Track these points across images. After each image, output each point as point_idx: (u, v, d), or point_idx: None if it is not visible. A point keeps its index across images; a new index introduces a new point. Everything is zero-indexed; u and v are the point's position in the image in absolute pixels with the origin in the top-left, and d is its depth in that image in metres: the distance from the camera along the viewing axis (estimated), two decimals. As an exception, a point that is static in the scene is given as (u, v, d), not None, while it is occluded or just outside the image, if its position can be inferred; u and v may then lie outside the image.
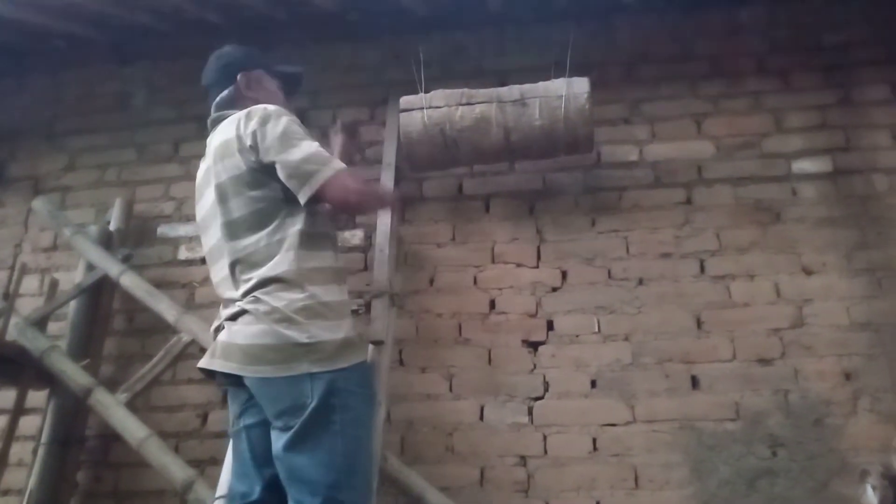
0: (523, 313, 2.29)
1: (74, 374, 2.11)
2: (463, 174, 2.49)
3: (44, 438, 2.20)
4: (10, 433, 2.15)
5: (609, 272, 2.30)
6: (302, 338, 1.41)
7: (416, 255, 2.44)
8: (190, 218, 2.61)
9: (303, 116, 2.66)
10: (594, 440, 2.10)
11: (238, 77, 1.72)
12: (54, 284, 2.43)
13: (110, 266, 2.33)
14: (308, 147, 1.55)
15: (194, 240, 2.57)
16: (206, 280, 2.49)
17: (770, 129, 2.44)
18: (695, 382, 2.13)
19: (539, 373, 2.21)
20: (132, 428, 2.02)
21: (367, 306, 2.14)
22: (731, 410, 2.08)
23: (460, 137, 2.17)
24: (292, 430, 1.38)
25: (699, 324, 2.20)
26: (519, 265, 2.36)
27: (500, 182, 2.48)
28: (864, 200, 2.30)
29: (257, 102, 1.65)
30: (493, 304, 2.33)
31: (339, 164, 1.56)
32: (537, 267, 2.34)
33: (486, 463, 2.13)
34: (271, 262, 1.47)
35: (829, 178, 2.34)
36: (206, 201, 1.66)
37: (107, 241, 2.46)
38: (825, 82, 2.48)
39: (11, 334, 2.19)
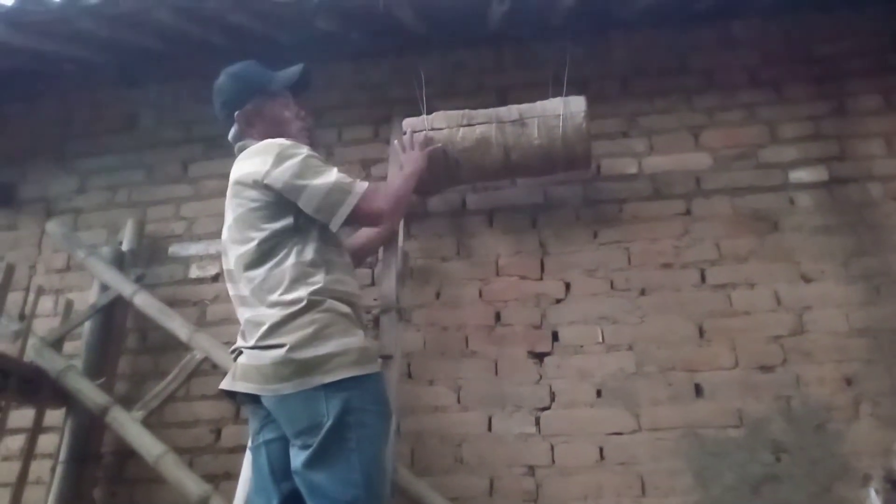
0: (528, 325, 2.34)
1: (90, 392, 2.16)
2: (466, 189, 2.55)
3: (61, 456, 2.24)
4: (30, 452, 2.19)
5: (611, 283, 2.34)
6: (312, 353, 1.45)
7: (421, 269, 2.49)
8: (201, 237, 2.68)
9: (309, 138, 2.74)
10: (600, 449, 2.14)
11: (236, 116, 1.74)
12: (69, 305, 2.48)
13: (123, 286, 2.38)
14: (327, 178, 1.58)
15: (205, 258, 2.63)
16: (218, 298, 2.56)
17: (765, 139, 2.49)
18: (698, 390, 2.17)
19: (545, 383, 2.26)
20: (148, 444, 2.07)
21: (376, 321, 2.19)
22: (734, 417, 2.12)
23: (461, 157, 2.23)
24: (311, 449, 1.42)
25: (701, 332, 2.24)
26: (523, 277, 2.41)
27: (502, 196, 2.54)
28: (860, 208, 2.35)
29: (263, 135, 1.69)
30: (498, 317, 2.38)
31: (361, 186, 1.62)
32: (541, 279, 2.39)
33: (495, 473, 2.17)
34: (282, 289, 1.51)
35: (824, 187, 2.39)
36: (226, 227, 1.70)
37: (119, 262, 2.51)
38: (818, 93, 2.53)
39: (29, 355, 2.24)
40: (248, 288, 1.56)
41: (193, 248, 2.66)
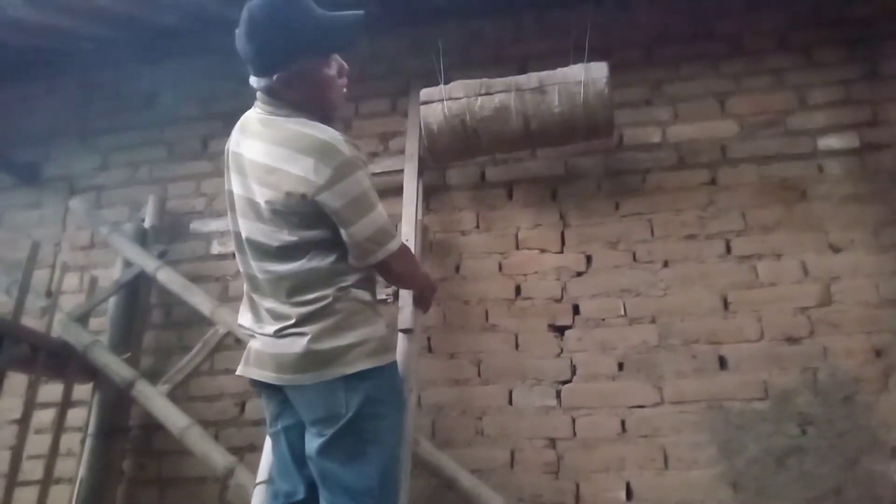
0: (549, 298, 2.32)
1: (117, 367, 2.20)
2: (485, 162, 2.52)
3: (90, 429, 2.29)
4: (60, 425, 2.25)
5: (634, 255, 2.31)
6: (334, 343, 1.40)
7: (441, 243, 2.48)
8: (221, 213, 2.68)
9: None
10: (622, 422, 2.13)
11: (274, 78, 1.42)
12: (94, 281, 2.52)
13: (146, 262, 2.41)
14: (377, 217, 1.45)
15: (226, 234, 2.63)
16: (239, 273, 2.57)
17: (794, 106, 2.42)
18: (722, 363, 2.14)
19: (566, 356, 2.24)
20: (174, 417, 2.11)
21: (395, 295, 2.19)
22: (760, 390, 2.09)
23: (480, 127, 2.19)
24: (326, 437, 1.40)
25: (726, 304, 2.20)
26: (543, 251, 2.38)
27: (522, 168, 2.50)
28: (891, 175, 2.27)
29: (301, 99, 1.44)
30: (518, 290, 2.36)
31: (399, 241, 1.52)
32: (562, 252, 2.37)
33: (516, 445, 2.17)
34: (308, 291, 1.42)
35: (855, 154, 2.32)
36: (235, 187, 1.51)
37: (142, 238, 2.54)
38: (850, 56, 2.44)
39: (56, 330, 2.28)
40: (262, 276, 1.47)
41: (214, 225, 2.67)
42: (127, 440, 2.39)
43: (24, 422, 2.15)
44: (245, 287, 1.55)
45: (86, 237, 2.77)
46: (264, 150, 1.43)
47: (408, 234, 2.27)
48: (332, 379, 1.39)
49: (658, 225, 2.33)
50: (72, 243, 2.78)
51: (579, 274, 2.33)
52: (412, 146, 2.47)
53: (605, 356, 2.21)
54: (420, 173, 2.42)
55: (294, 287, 1.43)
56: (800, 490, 1.98)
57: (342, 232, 1.43)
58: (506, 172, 2.50)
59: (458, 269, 2.44)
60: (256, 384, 1.53)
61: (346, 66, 1.53)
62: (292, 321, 1.42)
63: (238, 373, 1.54)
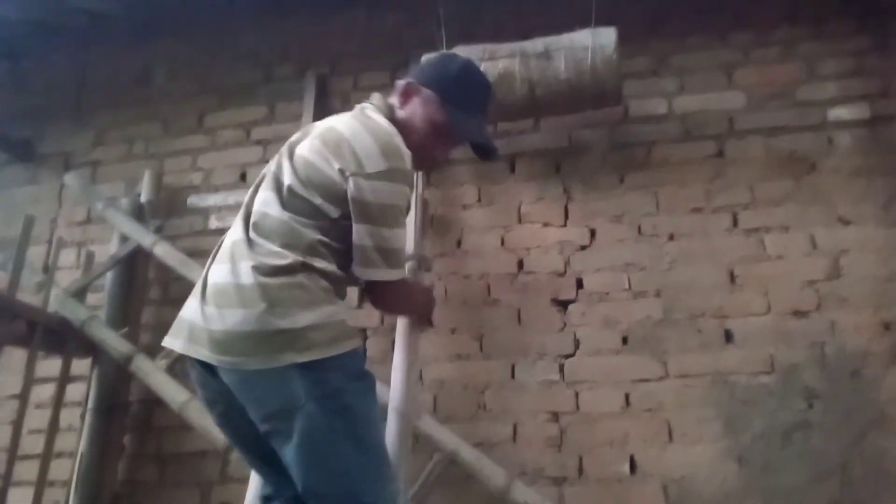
0: (552, 272, 2.29)
1: (115, 342, 2.18)
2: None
3: (90, 405, 2.28)
4: (59, 400, 2.23)
5: (639, 229, 2.27)
6: (285, 324, 1.23)
7: (442, 218, 2.44)
8: (218, 188, 2.66)
9: (324, 84, 2.68)
10: (626, 396, 2.10)
11: (406, 82, 1.48)
12: (90, 257, 2.49)
13: (143, 237, 2.38)
14: (397, 237, 1.36)
15: (223, 209, 2.62)
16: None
17: (803, 77, 2.36)
18: (728, 337, 2.11)
19: (569, 331, 2.22)
20: (173, 392, 2.08)
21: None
22: (766, 364, 2.06)
23: (484, 95, 2.14)
24: (292, 443, 1.23)
25: (732, 278, 2.17)
26: (546, 225, 2.35)
27: (525, 141, 2.46)
28: (903, 147, 2.23)
29: (405, 123, 1.44)
30: (521, 265, 2.33)
31: (401, 274, 1.41)
32: (565, 226, 2.33)
33: (518, 420, 2.15)
34: (282, 243, 1.30)
35: (866, 126, 2.27)
36: (290, 161, 1.41)
37: (138, 214, 2.51)
38: (860, 28, 2.38)
39: (52, 306, 2.25)
40: (256, 211, 1.36)
41: (212, 199, 2.64)
42: (127, 415, 2.37)
43: (23, 397, 2.13)
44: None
45: (82, 213, 2.74)
46: (344, 120, 1.42)
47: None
48: (283, 366, 1.22)
49: (664, 198, 2.29)
50: (68, 219, 2.75)
51: (583, 248, 2.29)
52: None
53: (608, 330, 2.18)
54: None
55: (274, 230, 1.31)
56: (806, 465, 1.96)
57: (354, 229, 1.33)
58: (508, 145, 2.45)
59: (459, 243, 2.41)
60: (188, 361, 1.34)
61: (447, 151, 1.59)
62: (249, 264, 1.27)
63: (166, 343, 1.36)
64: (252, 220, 1.36)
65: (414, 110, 1.47)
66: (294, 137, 1.48)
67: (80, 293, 2.35)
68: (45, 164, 2.87)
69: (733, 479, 1.97)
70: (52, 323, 2.20)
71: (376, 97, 1.51)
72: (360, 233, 1.33)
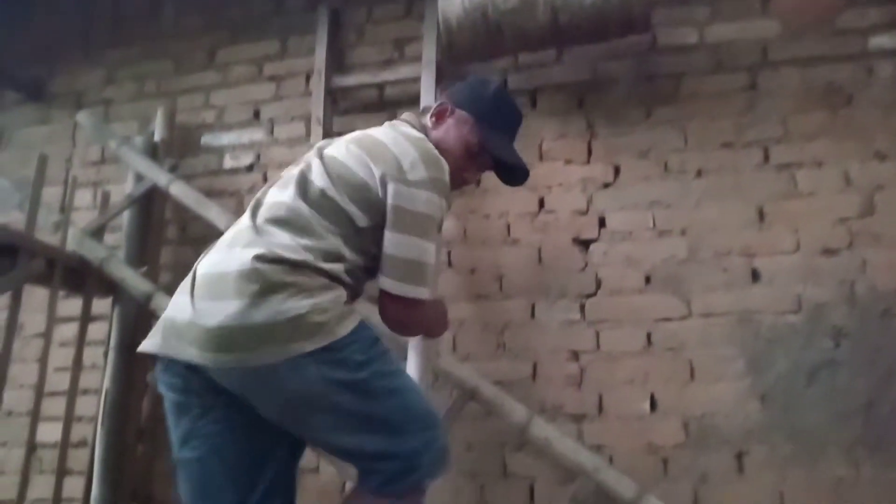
0: (574, 211, 2.23)
1: (134, 280, 2.18)
2: (507, 67, 2.38)
3: (112, 343, 2.30)
4: (82, 339, 2.25)
5: (665, 165, 2.19)
6: (286, 310, 1.14)
7: (461, 155, 2.38)
8: (232, 126, 2.62)
9: (337, 17, 2.58)
10: (648, 335, 2.08)
11: (442, 103, 1.47)
12: (106, 197, 2.47)
13: (158, 176, 2.35)
14: (430, 252, 1.29)
15: (238, 148, 2.58)
16: (254, 188, 2.52)
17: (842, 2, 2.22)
18: (755, 276, 2.06)
19: (591, 270, 2.18)
20: (193, 331, 2.09)
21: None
22: (793, 303, 2.02)
23: (503, 21, 2.03)
24: (331, 425, 1.19)
25: (761, 215, 2.10)
26: (568, 162, 2.28)
27: (546, 74, 2.36)
28: (949, 77, 2.10)
29: (435, 136, 1.43)
30: (542, 203, 2.27)
31: (426, 294, 1.31)
32: (588, 163, 2.26)
33: (538, 359, 2.14)
34: (304, 231, 1.23)
35: (910, 55, 2.14)
36: (334, 156, 1.35)
37: (152, 153, 2.47)
38: (908, -53, 2.22)
39: (70, 245, 2.25)
40: (271, 202, 1.27)
41: (226, 138, 2.60)
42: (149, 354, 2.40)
43: (47, 335, 2.16)
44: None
45: (96, 152, 2.72)
46: (383, 131, 1.39)
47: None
48: (295, 356, 1.13)
49: (692, 133, 2.20)
50: (82, 159, 2.73)
51: (606, 186, 2.23)
52: (429, 52, 2.33)
53: (631, 270, 2.14)
54: (438, 81, 2.29)
55: (293, 222, 1.23)
56: (830, 404, 1.94)
57: (387, 238, 1.27)
58: (529, 79, 2.36)
59: (478, 182, 2.33)
60: (169, 370, 1.22)
61: (476, 176, 1.57)
62: (252, 251, 1.17)
63: (143, 349, 1.24)
64: (265, 209, 1.28)
65: (447, 130, 1.45)
66: (321, 143, 1.45)
67: (97, 233, 2.34)
68: (57, 103, 2.83)
69: (755, 416, 1.95)
70: (71, 262, 2.20)
71: (409, 115, 1.49)
72: (393, 242, 1.27)
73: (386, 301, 1.30)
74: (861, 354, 1.95)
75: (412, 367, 1.80)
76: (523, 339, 2.17)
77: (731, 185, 2.14)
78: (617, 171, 2.23)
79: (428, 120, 1.48)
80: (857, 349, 1.96)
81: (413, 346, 1.84)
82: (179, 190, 2.30)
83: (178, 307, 1.20)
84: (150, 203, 2.45)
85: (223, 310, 1.13)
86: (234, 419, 1.21)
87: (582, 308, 2.15)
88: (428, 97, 2.24)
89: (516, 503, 2.04)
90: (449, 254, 2.30)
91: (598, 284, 2.16)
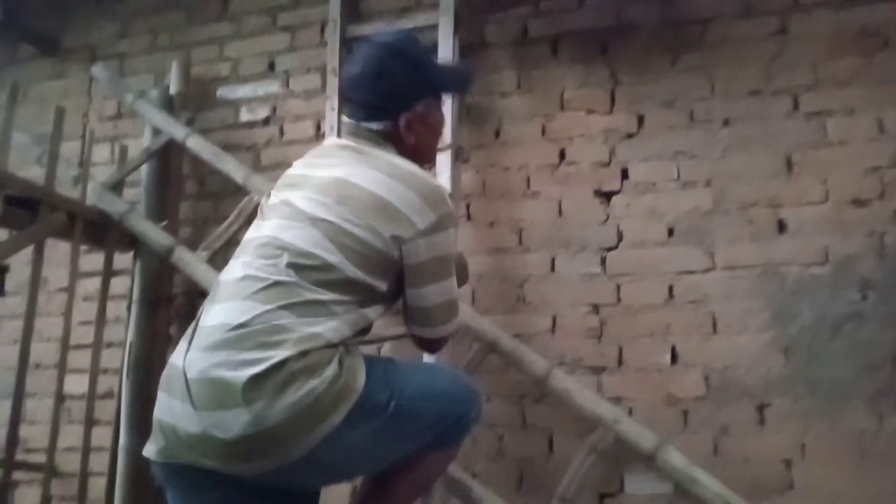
0: (596, 163, 2.19)
1: (154, 233, 2.19)
2: (527, 14, 2.30)
3: (135, 297, 2.33)
4: (105, 293, 2.28)
5: (691, 114, 2.13)
6: (305, 392, 1.06)
7: (479, 107, 2.33)
8: (247, 79, 2.59)
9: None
10: (670, 287, 2.05)
11: (401, 120, 1.30)
12: (124, 151, 2.47)
13: (175, 129, 2.33)
14: (454, 286, 1.29)
15: (254, 101, 2.56)
16: (271, 142, 2.51)
17: (883, -63, 2.11)
18: (781, 227, 2.01)
19: (612, 223, 2.15)
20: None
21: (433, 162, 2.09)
22: (820, 254, 1.97)
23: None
24: (382, 459, 1.21)
25: (789, 165, 2.04)
26: (590, 112, 2.22)
27: (568, 21, 2.28)
28: None
29: (414, 148, 1.32)
30: (562, 155, 2.23)
31: (459, 321, 1.36)
32: (611, 112, 2.20)
33: (558, 312, 2.13)
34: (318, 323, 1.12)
35: (952, -5, 2.04)
36: (281, 197, 1.27)
37: (168, 106, 2.46)
38: None
39: (90, 199, 2.26)
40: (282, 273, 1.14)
41: (241, 91, 2.58)
42: (171, 306, 2.43)
43: (70, 289, 2.18)
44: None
45: (112, 107, 2.70)
46: (361, 172, 1.23)
47: (444, 97, 2.13)
48: (330, 431, 1.07)
49: (719, 80, 2.13)
50: (99, 114, 2.72)
51: (630, 136, 2.17)
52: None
53: (654, 222, 2.10)
54: (456, 29, 2.23)
55: (302, 312, 1.11)
56: (854, 357, 1.91)
57: (410, 293, 1.23)
58: (550, 26, 2.29)
59: (497, 134, 2.31)
60: (184, 472, 1.12)
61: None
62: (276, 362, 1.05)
63: (159, 458, 1.14)
64: (255, 277, 1.14)
65: (421, 132, 1.33)
66: (281, 188, 1.29)
67: (116, 187, 2.35)
68: (72, 57, 2.82)
69: (778, 369, 1.94)
70: (91, 215, 2.22)
71: (353, 128, 1.32)
72: (422, 296, 1.24)
73: (423, 343, 1.35)
74: (888, 307, 1.91)
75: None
76: (543, 292, 2.16)
77: (759, 135, 2.08)
78: (641, 120, 2.17)
79: (400, 139, 1.31)
80: (885, 302, 1.92)
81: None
82: (196, 144, 2.29)
83: (177, 414, 1.09)
84: (167, 157, 2.44)
85: (235, 419, 1.04)
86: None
87: (603, 261, 2.13)
88: (446, 45, 2.18)
89: (535, 453, 2.06)
90: (468, 207, 2.28)
91: (620, 237, 2.13)
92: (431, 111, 1.36)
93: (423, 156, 1.37)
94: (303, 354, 1.07)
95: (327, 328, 1.11)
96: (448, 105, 2.10)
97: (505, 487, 1.98)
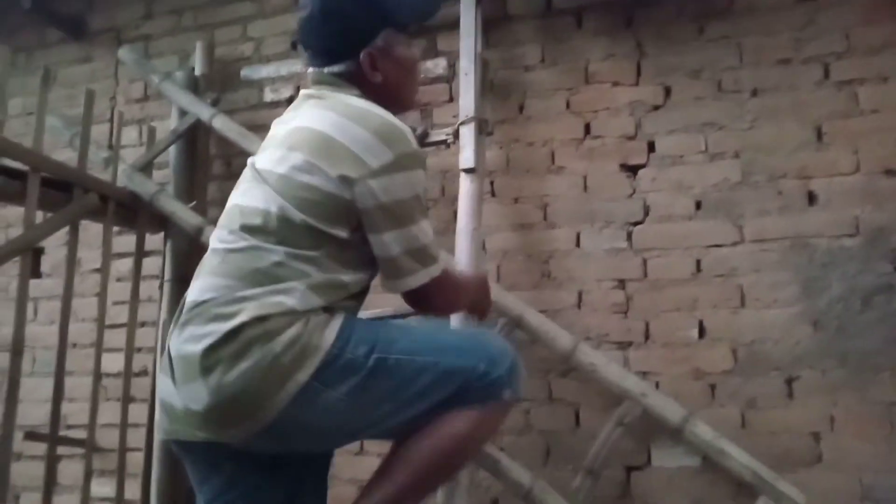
0: (621, 136, 2.17)
1: (185, 213, 2.23)
2: (552, -14, 2.27)
3: (167, 276, 2.38)
4: (137, 273, 2.33)
5: (719, 84, 2.10)
6: (263, 353, 1.06)
7: (502, 81, 2.32)
8: (270, 58, 2.60)
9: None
10: (697, 262, 2.04)
11: (361, 57, 1.23)
12: (152, 132, 2.50)
13: (201, 110, 2.36)
14: (424, 231, 1.20)
15: (277, 80, 2.57)
16: (294, 121, 2.52)
17: None
18: (811, 198, 1.99)
19: (639, 197, 2.13)
20: (243, 262, 2.14)
21: (456, 134, 2.09)
22: (851, 226, 1.95)
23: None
24: (382, 419, 1.15)
25: (819, 135, 2.01)
26: (616, 84, 2.20)
27: (593, -8, 2.25)
28: None
29: (383, 88, 1.25)
30: (587, 129, 2.21)
31: (438, 269, 1.23)
32: (637, 84, 2.17)
33: (584, 287, 2.13)
34: (271, 289, 1.09)
35: None
36: (258, 159, 1.26)
37: (193, 87, 2.48)
38: None
39: (121, 181, 2.30)
40: (242, 240, 1.14)
41: (264, 71, 2.58)
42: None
43: (104, 270, 2.23)
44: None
45: (139, 89, 2.73)
46: (316, 115, 1.19)
47: (467, 70, 2.13)
48: (296, 393, 1.07)
49: (748, 50, 2.09)
50: (126, 96, 2.75)
51: (656, 108, 2.15)
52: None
53: (681, 195, 2.09)
54: (478, 2, 2.20)
55: (261, 274, 1.10)
56: (885, 329, 1.89)
57: (373, 240, 1.16)
58: (574, -3, 2.26)
59: (521, 108, 2.29)
60: (190, 447, 1.16)
61: (419, 74, 1.38)
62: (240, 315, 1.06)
63: (165, 436, 1.19)
64: (220, 251, 1.17)
65: (388, 70, 1.26)
66: (251, 159, 1.28)
67: (145, 168, 2.39)
68: (98, 40, 2.84)
69: (807, 341, 1.92)
70: (122, 197, 2.26)
71: (318, 75, 1.27)
72: (384, 243, 1.16)
73: (411, 300, 1.26)
74: (921, 278, 1.89)
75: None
76: (568, 268, 2.16)
77: (788, 105, 2.04)
78: (667, 92, 2.15)
79: (365, 79, 1.25)
80: (918, 273, 1.89)
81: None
82: (222, 124, 2.31)
83: (168, 392, 1.14)
84: (194, 138, 2.47)
85: (199, 391, 1.07)
86: (260, 477, 1.18)
87: (629, 236, 2.12)
88: (468, 18, 2.15)
89: (562, 427, 2.08)
90: (492, 184, 2.28)
91: (646, 211, 2.12)
92: (395, 45, 1.27)
93: (395, 97, 1.29)
94: (260, 320, 1.06)
95: (291, 297, 1.08)
96: (470, 77, 2.11)
97: (532, 461, 2.00)
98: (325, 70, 1.26)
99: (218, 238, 1.20)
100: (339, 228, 1.14)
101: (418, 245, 1.19)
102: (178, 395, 1.10)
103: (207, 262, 1.19)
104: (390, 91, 1.27)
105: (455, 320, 1.65)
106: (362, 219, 1.15)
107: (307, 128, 1.17)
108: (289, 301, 1.08)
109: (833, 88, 2.02)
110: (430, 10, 1.40)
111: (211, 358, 1.06)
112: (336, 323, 1.12)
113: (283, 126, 1.24)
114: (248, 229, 1.14)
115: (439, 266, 1.24)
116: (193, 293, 1.16)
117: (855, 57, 2.02)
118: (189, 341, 1.09)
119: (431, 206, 2.30)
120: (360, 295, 1.24)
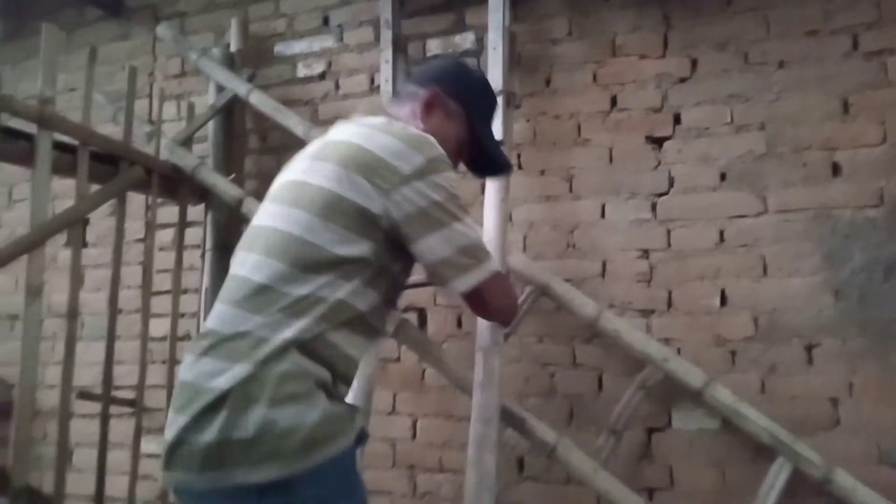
0: (647, 108, 2.20)
1: (224, 186, 2.33)
2: (579, -41, 2.29)
3: (208, 245, 2.49)
4: (180, 243, 2.43)
5: (745, 56, 2.11)
6: (243, 432, 0.97)
7: (529, 55, 2.35)
8: (302, 35, 2.66)
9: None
10: (721, 232, 2.09)
11: (427, 91, 1.29)
12: (192, 108, 2.59)
13: (238, 86, 2.44)
14: (471, 228, 1.16)
15: (310, 56, 2.63)
16: (327, 96, 2.59)
17: None
18: (836, 170, 2.01)
19: (664, 169, 2.17)
20: (281, 232, 2.23)
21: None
22: (875, 197, 1.97)
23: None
24: None
25: (846, 107, 2.02)
26: (643, 57, 2.22)
27: (621, -36, 2.27)
28: None
29: (432, 135, 1.22)
30: (614, 102, 2.25)
31: (494, 265, 1.21)
32: (664, 56, 2.20)
33: (608, 257, 2.19)
34: (296, 324, 1.05)
35: None
36: (288, 177, 1.23)
37: (230, 63, 2.56)
38: None
39: (163, 154, 2.40)
40: (263, 274, 1.11)
41: (297, 47, 2.65)
42: (240, 256, 2.58)
43: (148, 239, 2.35)
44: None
45: (176, 66, 2.82)
46: (330, 137, 1.20)
47: (495, 43, 2.18)
48: (235, 486, 0.96)
49: (775, 21, 2.10)
50: (164, 72, 2.84)
51: (682, 80, 2.17)
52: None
53: (706, 167, 2.12)
54: (503, -22, 2.24)
55: (284, 315, 1.05)
56: (906, 298, 1.93)
57: (420, 248, 1.12)
58: (602, -30, 2.28)
59: (548, 82, 2.33)
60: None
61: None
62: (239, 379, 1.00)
63: (175, 483, 1.06)
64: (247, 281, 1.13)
65: (441, 124, 1.28)
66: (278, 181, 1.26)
67: (186, 142, 2.49)
68: (135, 18, 2.93)
69: (828, 311, 1.97)
70: (165, 170, 2.36)
71: (378, 119, 1.25)
72: (432, 247, 1.12)
73: (472, 302, 1.22)
74: (945, 248, 1.91)
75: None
76: (593, 238, 2.22)
77: (815, 76, 2.05)
78: (694, 64, 2.17)
79: (408, 108, 1.29)
80: (941, 243, 1.92)
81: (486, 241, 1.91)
82: (258, 99, 2.39)
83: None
84: (231, 114, 2.56)
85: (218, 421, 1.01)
86: None
87: (653, 207, 2.17)
88: (497, -6, 2.20)
89: (585, 391, 2.16)
90: (519, 156, 2.33)
91: (671, 183, 2.16)
92: (458, 113, 1.32)
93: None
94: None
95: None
96: (499, 51, 2.16)
97: (556, 423, 2.09)
98: (404, 92, 1.36)
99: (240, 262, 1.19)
100: (355, 244, 1.09)
101: (467, 241, 1.15)
102: None
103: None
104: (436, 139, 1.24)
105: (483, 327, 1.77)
106: (402, 230, 1.11)
107: (340, 142, 1.16)
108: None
109: (861, 60, 2.02)
110: (498, 164, 1.50)
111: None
112: (334, 445, 1.02)
113: (313, 146, 1.25)
114: (267, 251, 1.13)
115: (489, 265, 1.20)
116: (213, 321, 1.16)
117: (886, 27, 2.01)
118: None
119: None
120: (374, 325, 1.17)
